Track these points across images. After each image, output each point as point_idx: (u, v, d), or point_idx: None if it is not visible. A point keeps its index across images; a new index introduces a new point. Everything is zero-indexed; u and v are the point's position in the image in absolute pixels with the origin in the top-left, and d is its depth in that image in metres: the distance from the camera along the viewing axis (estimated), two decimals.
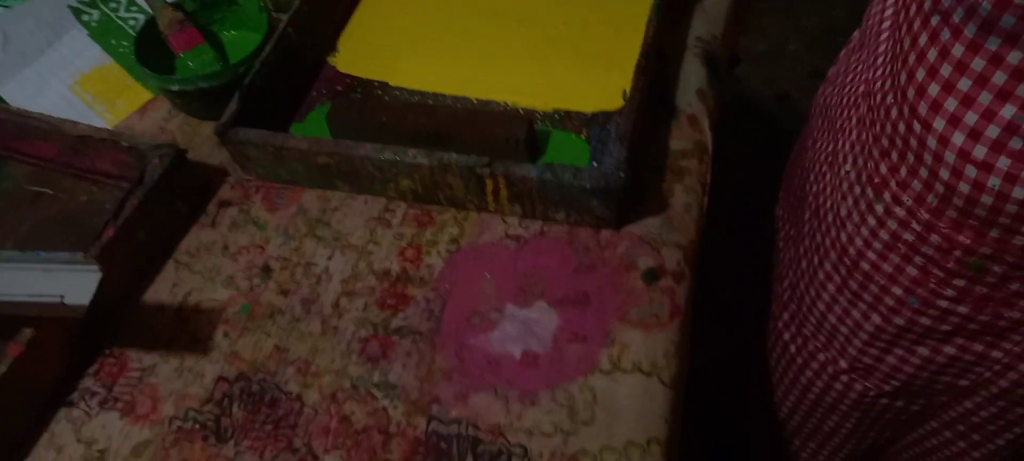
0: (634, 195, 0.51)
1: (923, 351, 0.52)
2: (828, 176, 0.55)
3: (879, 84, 0.47)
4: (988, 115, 0.37)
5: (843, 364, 0.57)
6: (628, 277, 0.49)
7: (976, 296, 0.46)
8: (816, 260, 0.56)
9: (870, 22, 0.54)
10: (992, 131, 0.38)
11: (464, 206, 0.53)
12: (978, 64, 0.37)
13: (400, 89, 0.59)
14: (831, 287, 0.54)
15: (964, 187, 0.40)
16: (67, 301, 0.39)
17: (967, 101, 0.38)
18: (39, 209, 0.57)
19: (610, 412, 0.44)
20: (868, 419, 0.61)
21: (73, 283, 0.40)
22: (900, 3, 0.44)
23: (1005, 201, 0.39)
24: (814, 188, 0.58)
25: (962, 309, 0.47)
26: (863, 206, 0.49)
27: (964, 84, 0.38)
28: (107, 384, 0.48)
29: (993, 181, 0.39)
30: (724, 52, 0.64)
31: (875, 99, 0.47)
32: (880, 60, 0.48)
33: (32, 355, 0.45)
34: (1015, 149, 0.37)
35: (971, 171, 0.39)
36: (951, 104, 0.39)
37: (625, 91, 0.54)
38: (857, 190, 0.49)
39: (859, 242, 0.50)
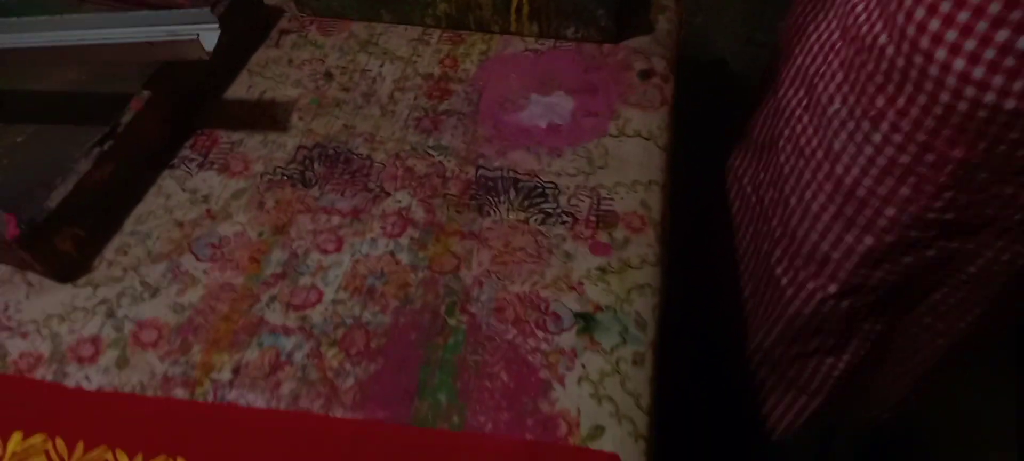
0: (627, 18, 0.63)
1: (907, 260, 0.57)
2: (805, 119, 0.60)
3: (866, 29, 0.51)
4: (985, 41, 0.43)
5: (833, 288, 0.62)
6: (627, 75, 0.60)
7: (961, 204, 0.51)
8: (808, 195, 0.60)
9: None
10: (989, 53, 0.43)
11: (490, 28, 0.63)
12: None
13: None
14: (826, 217, 0.59)
15: (962, 105, 0.46)
16: (200, 41, 0.47)
17: (966, 31, 0.43)
18: None
19: (619, 161, 0.55)
20: (849, 332, 0.66)
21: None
22: None
23: (997, 113, 0.45)
24: (788, 132, 0.63)
25: (948, 216, 0.52)
26: (859, 137, 0.53)
27: (963, 17, 0.43)
28: (203, 152, 0.56)
29: (989, 97, 0.44)
30: None
31: (864, 42, 0.51)
32: (860, 8, 0.53)
33: (147, 113, 0.53)
34: (1009, 66, 0.43)
35: (970, 91, 0.45)
36: (951, 35, 0.44)
37: None
38: (850, 125, 0.53)
39: (855, 171, 0.54)
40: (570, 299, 0.47)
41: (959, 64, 0.44)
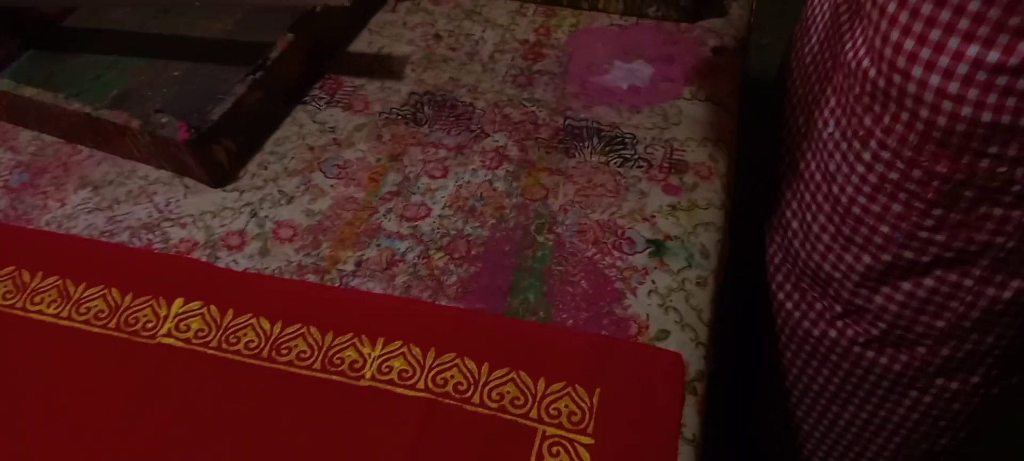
0: (704, 1, 0.69)
1: (906, 286, 0.57)
2: (804, 144, 0.61)
3: (851, 55, 0.53)
4: (957, 56, 0.44)
5: (838, 309, 0.62)
6: (701, 49, 0.67)
7: (951, 223, 0.51)
8: (808, 217, 0.61)
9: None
10: (962, 69, 0.44)
11: (579, 5, 0.71)
12: (945, 16, 0.44)
13: None
14: (826, 237, 0.59)
15: (941, 120, 0.46)
16: None
17: (939, 48, 0.45)
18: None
19: (691, 120, 0.61)
20: (855, 374, 0.65)
21: None
22: None
23: (975, 126, 0.45)
24: (788, 158, 0.64)
25: (939, 237, 0.52)
26: (851, 158, 0.54)
27: (935, 34, 0.45)
28: (330, 93, 0.65)
29: (966, 110, 0.45)
30: None
31: (850, 67, 0.53)
32: (846, 36, 0.54)
33: (290, 53, 0.62)
34: (981, 80, 0.44)
35: (947, 105, 0.46)
36: (925, 53, 0.45)
37: None
38: (843, 146, 0.55)
39: (850, 190, 0.55)
40: (643, 228, 0.54)
41: (935, 80, 0.46)
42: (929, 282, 0.55)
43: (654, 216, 0.55)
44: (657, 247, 0.53)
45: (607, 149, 0.59)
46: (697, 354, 0.48)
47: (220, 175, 0.58)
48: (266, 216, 0.56)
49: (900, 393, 0.64)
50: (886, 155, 0.51)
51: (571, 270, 0.52)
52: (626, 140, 0.60)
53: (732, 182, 0.59)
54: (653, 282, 0.51)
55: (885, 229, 0.54)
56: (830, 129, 0.56)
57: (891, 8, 0.47)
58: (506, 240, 0.53)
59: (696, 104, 0.62)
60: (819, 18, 0.62)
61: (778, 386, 0.74)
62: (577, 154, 0.59)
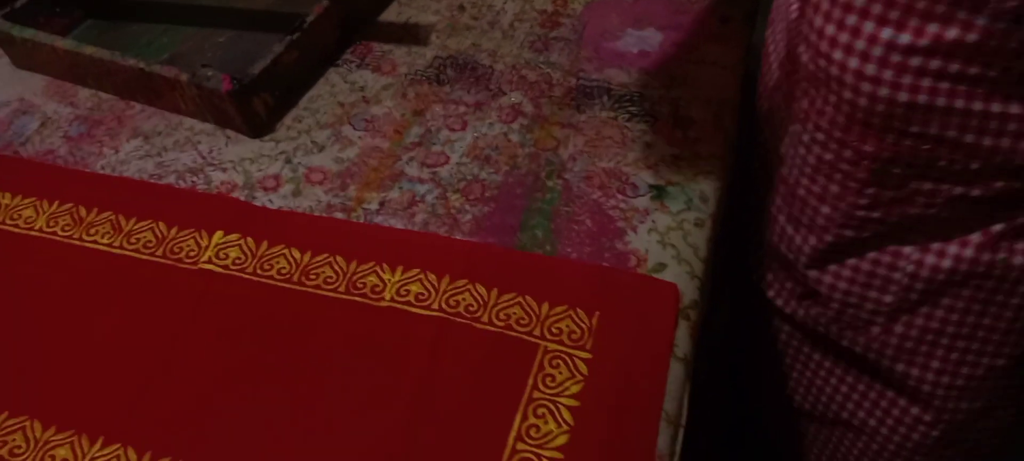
0: None
1: (851, 263, 0.58)
2: (766, 132, 0.63)
3: (793, 44, 0.55)
4: (871, 40, 0.46)
5: (799, 290, 0.63)
6: (709, 19, 0.70)
7: (884, 200, 0.53)
8: (767, 199, 0.63)
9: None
10: (877, 51, 0.46)
11: None
12: (860, 2, 0.46)
13: None
14: (781, 219, 0.62)
15: (862, 101, 0.48)
16: None
17: (855, 33, 0.47)
18: None
19: (697, 80, 0.64)
20: (828, 358, 0.66)
21: None
22: None
23: (894, 106, 0.47)
24: (761, 141, 0.65)
25: (875, 214, 0.54)
26: (795, 138, 0.57)
27: (851, 19, 0.47)
28: (360, 57, 0.69)
29: (883, 91, 0.47)
30: None
31: (792, 55, 0.55)
32: (793, 29, 0.56)
33: (325, 18, 0.66)
34: (896, 62, 0.46)
35: (866, 87, 0.48)
36: (844, 38, 0.47)
37: None
38: (789, 127, 0.57)
39: (796, 172, 0.57)
40: (647, 175, 0.57)
41: (853, 63, 0.47)
42: (871, 256, 0.57)
43: (658, 164, 0.58)
44: (659, 191, 0.56)
45: (616, 106, 0.62)
46: (692, 285, 0.51)
47: (258, 126, 0.62)
48: (299, 163, 0.60)
49: (868, 381, 0.65)
50: (821, 137, 0.53)
51: (577, 211, 0.55)
52: (634, 98, 0.63)
53: (734, 139, 0.62)
54: (653, 221, 0.54)
55: (826, 210, 0.56)
56: (780, 114, 0.59)
57: None
58: (518, 184, 0.57)
59: (703, 67, 0.65)
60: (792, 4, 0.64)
61: (775, 371, 0.74)
62: (587, 110, 0.62)
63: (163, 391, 0.48)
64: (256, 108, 0.62)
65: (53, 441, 0.46)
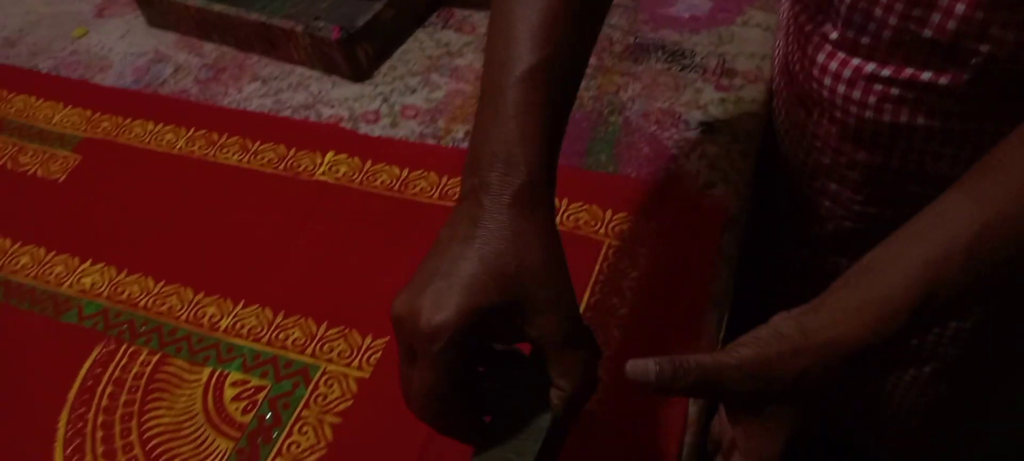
0: None
1: (853, 250, 0.62)
2: (786, 142, 0.65)
3: (790, 50, 0.59)
4: (857, 71, 0.50)
5: (801, 276, 0.67)
6: None
7: (880, 198, 0.56)
8: (778, 198, 0.67)
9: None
10: (861, 83, 0.50)
11: None
12: (846, 44, 0.50)
13: None
14: (787, 210, 0.66)
15: (851, 121, 0.52)
16: None
17: (843, 63, 0.51)
18: None
19: (742, 39, 0.72)
20: None
21: None
22: (794, 10, 0.57)
23: (879, 125, 0.51)
24: (776, 133, 0.68)
25: (871, 210, 0.58)
26: (796, 141, 0.61)
27: (839, 55, 0.51)
28: (445, 19, 0.78)
29: (868, 114, 0.51)
30: None
31: (792, 80, 0.60)
32: (793, 58, 0.60)
33: None
34: (878, 90, 0.50)
35: (854, 109, 0.52)
36: (833, 66, 0.52)
37: None
38: (792, 134, 0.61)
39: (797, 165, 0.62)
40: (697, 113, 0.65)
41: (841, 89, 0.52)
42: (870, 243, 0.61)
43: (706, 105, 0.65)
44: (708, 127, 0.64)
45: (669, 59, 0.70)
46: (737, 199, 0.58)
47: (360, 72, 0.72)
48: (395, 101, 0.69)
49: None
50: (818, 144, 0.58)
51: (636, 140, 0.63)
52: (685, 53, 0.71)
53: (772, 89, 0.69)
54: (703, 149, 0.62)
55: (827, 203, 0.61)
56: (786, 126, 0.63)
57: (808, 27, 0.54)
58: (584, 119, 0.65)
59: (747, 28, 0.73)
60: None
61: None
62: (644, 62, 0.70)
63: (290, 266, 0.57)
64: (359, 56, 0.71)
65: (203, 302, 0.55)
